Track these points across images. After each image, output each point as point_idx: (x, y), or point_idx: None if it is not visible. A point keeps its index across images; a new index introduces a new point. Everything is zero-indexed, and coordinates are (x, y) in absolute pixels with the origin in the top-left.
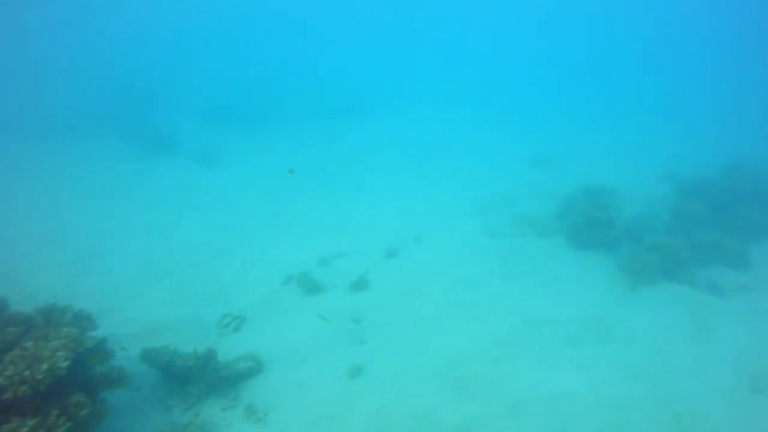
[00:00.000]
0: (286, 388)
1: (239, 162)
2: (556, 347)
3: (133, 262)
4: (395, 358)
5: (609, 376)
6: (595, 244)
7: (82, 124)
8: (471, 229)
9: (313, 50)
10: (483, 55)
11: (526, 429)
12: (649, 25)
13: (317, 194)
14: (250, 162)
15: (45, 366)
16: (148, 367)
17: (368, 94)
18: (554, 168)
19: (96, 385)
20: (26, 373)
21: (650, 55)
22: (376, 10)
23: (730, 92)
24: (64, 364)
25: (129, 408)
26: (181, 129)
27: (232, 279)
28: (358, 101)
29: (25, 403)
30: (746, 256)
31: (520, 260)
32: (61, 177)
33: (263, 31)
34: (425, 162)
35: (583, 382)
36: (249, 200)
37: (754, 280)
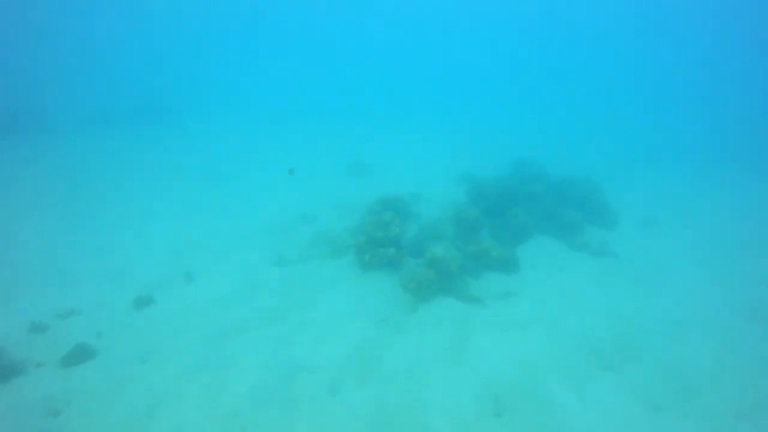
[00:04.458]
0: None
1: None
2: (314, 400)
3: None
4: None
5: (361, 427)
6: (379, 264)
7: None
8: (258, 256)
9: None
10: (304, 51)
11: None
12: (463, 41)
13: (57, 231)
14: None
15: None
16: None
17: (171, 97)
18: (369, 175)
19: None
20: None
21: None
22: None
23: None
24: None
25: None
26: None
27: None
28: (154, 106)
29: None
30: (514, 260)
31: (300, 291)
32: None
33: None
34: (225, 177)
35: None
36: None
37: (517, 284)
